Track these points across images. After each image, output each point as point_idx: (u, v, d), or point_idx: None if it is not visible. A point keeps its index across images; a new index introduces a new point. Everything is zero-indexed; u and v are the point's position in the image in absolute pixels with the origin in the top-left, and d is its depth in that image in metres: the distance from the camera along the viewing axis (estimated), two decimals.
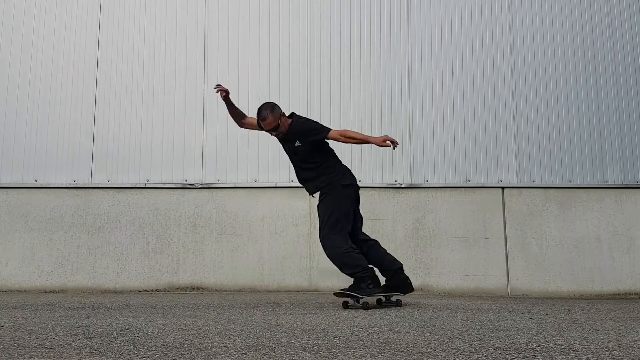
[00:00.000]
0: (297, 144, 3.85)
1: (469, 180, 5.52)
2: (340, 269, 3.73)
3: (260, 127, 3.89)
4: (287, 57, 5.73)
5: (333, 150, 3.98)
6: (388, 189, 5.51)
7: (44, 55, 5.77)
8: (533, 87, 5.66)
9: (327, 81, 5.69)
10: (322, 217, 3.79)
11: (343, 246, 3.68)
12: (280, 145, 4.02)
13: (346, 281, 3.95)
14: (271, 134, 3.88)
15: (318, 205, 3.85)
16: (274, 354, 1.90)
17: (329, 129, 3.84)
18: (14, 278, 5.38)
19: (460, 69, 5.71)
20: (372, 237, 4.01)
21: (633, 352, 1.99)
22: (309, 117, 4.24)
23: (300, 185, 4.01)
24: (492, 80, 5.68)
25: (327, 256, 3.73)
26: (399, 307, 3.69)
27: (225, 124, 5.63)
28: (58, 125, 5.65)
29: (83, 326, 2.60)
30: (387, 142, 3.74)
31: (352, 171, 3.92)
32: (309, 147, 3.86)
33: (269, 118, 3.75)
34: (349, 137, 3.86)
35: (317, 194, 3.90)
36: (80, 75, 5.73)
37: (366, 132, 5.59)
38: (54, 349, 1.97)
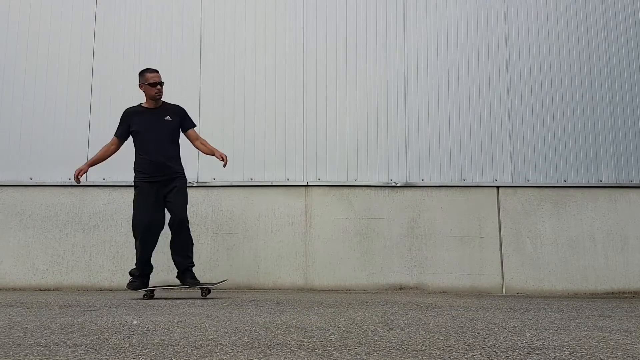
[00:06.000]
0: (167, 117, 4.15)
1: (464, 180, 5.54)
2: (190, 257, 4.21)
3: (157, 87, 4.15)
4: (284, 56, 5.73)
5: None
6: (384, 188, 5.52)
7: (38, 53, 5.74)
8: (528, 86, 5.68)
9: (323, 79, 5.69)
10: (184, 199, 4.18)
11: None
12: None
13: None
14: (160, 88, 4.15)
15: (177, 186, 4.16)
16: (269, 352, 1.90)
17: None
18: (8, 276, 5.36)
19: (455, 68, 5.72)
20: None
21: (627, 351, 2.01)
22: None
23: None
24: (487, 80, 5.70)
25: (187, 234, 4.14)
26: (393, 306, 3.70)
27: (220, 121, 5.64)
28: (53, 123, 5.63)
29: (78, 324, 2.60)
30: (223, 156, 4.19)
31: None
32: (177, 126, 4.22)
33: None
34: (203, 143, 4.35)
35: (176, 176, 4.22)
36: (76, 73, 5.71)
37: (361, 130, 5.62)
38: (49, 347, 1.97)
